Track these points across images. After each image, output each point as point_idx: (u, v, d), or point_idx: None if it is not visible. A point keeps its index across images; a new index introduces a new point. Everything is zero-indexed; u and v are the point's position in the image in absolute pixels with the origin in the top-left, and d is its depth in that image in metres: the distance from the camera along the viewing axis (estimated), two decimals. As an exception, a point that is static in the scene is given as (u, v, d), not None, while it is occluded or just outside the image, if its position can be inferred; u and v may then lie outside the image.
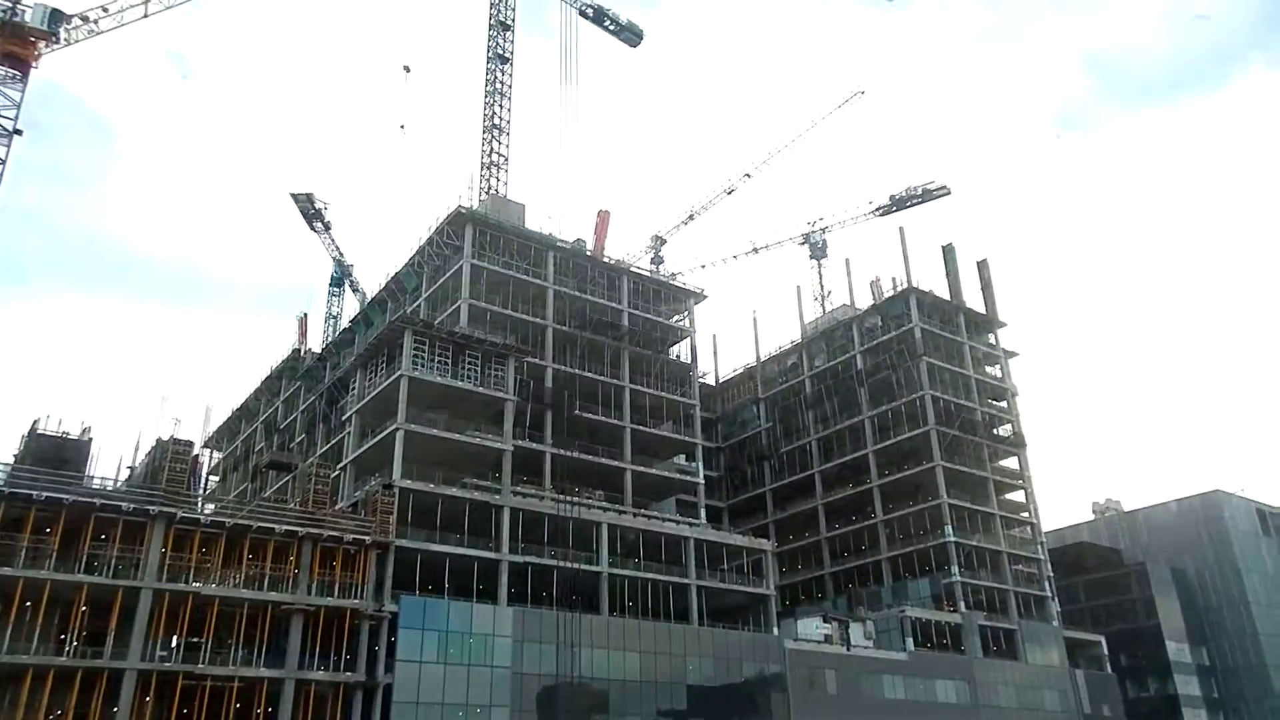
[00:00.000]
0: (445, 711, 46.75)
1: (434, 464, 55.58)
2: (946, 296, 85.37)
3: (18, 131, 57.33)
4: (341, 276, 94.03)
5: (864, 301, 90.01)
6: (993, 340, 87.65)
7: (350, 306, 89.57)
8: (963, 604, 71.87)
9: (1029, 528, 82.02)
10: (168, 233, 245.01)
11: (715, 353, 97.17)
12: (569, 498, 60.88)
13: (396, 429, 54.70)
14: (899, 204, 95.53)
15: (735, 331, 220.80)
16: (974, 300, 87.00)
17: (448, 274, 68.50)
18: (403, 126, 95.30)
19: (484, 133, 77.53)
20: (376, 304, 77.19)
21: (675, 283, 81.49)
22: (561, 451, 63.83)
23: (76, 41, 60.18)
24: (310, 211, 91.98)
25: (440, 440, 56.42)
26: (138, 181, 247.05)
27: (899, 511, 78.32)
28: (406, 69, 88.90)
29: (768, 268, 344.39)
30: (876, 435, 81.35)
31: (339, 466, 59.16)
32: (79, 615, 40.81)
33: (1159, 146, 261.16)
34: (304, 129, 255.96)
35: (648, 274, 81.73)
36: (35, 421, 49.03)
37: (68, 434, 48.61)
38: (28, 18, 57.60)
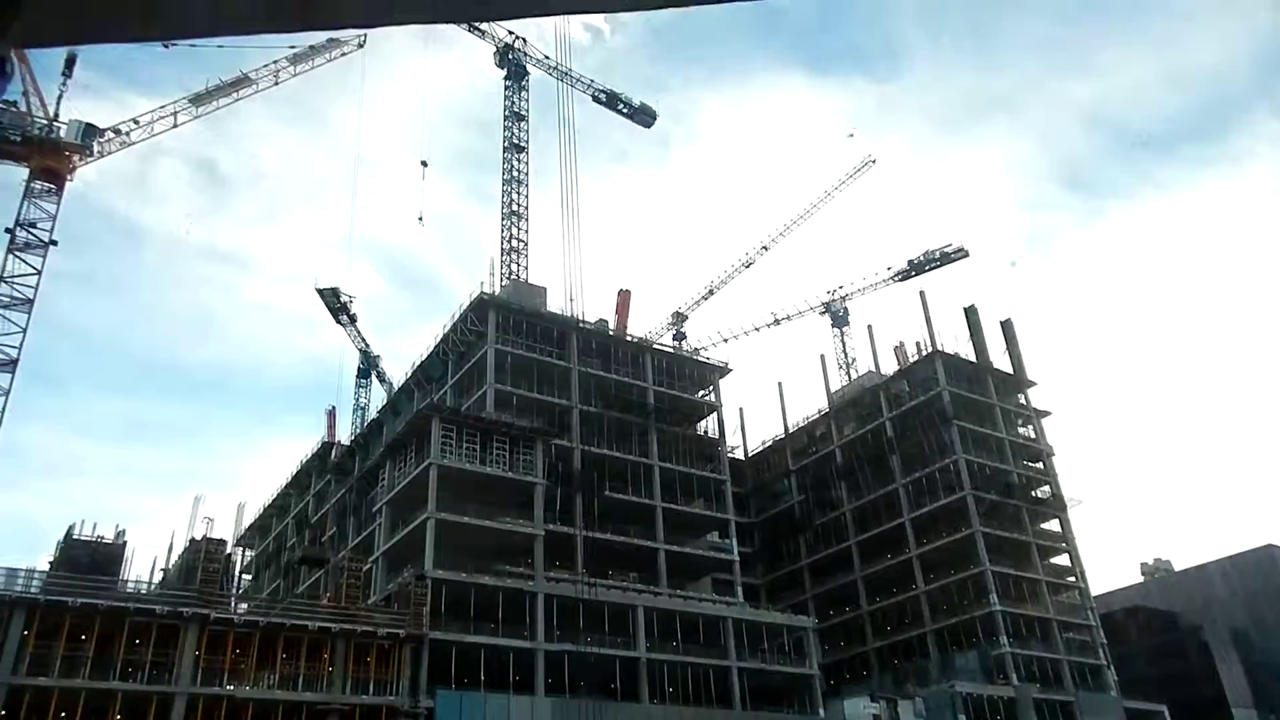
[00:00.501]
0: (486, 811, 45.22)
1: (466, 553, 55.00)
2: (972, 358, 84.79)
3: (53, 242, 59.10)
4: (368, 368, 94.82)
5: (889, 367, 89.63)
6: (1023, 400, 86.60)
7: (378, 397, 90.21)
8: (1014, 676, 69.36)
9: (1077, 592, 79.63)
10: (198, 334, 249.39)
11: (743, 426, 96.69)
12: (603, 581, 59.99)
13: (427, 518, 54.35)
14: (917, 268, 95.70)
15: (762, 404, 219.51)
16: (1000, 361, 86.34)
17: (473, 360, 69.02)
18: (420, 219, 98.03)
19: (503, 219, 79.07)
20: (404, 393, 77.72)
21: (699, 358, 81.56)
22: (593, 534, 63.17)
23: (109, 154, 62.40)
24: (336, 305, 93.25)
25: (471, 528, 55.94)
26: (166, 285, 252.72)
27: (941, 581, 76.39)
28: (424, 164, 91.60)
29: (791, 338, 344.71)
30: (912, 503, 79.96)
31: (371, 559, 58.69)
32: (114, 724, 40.19)
33: (1176, 199, 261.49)
34: (325, 225, 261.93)
35: (671, 350, 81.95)
36: (70, 528, 49.23)
37: (102, 538, 48.68)
38: (63, 133, 59.84)
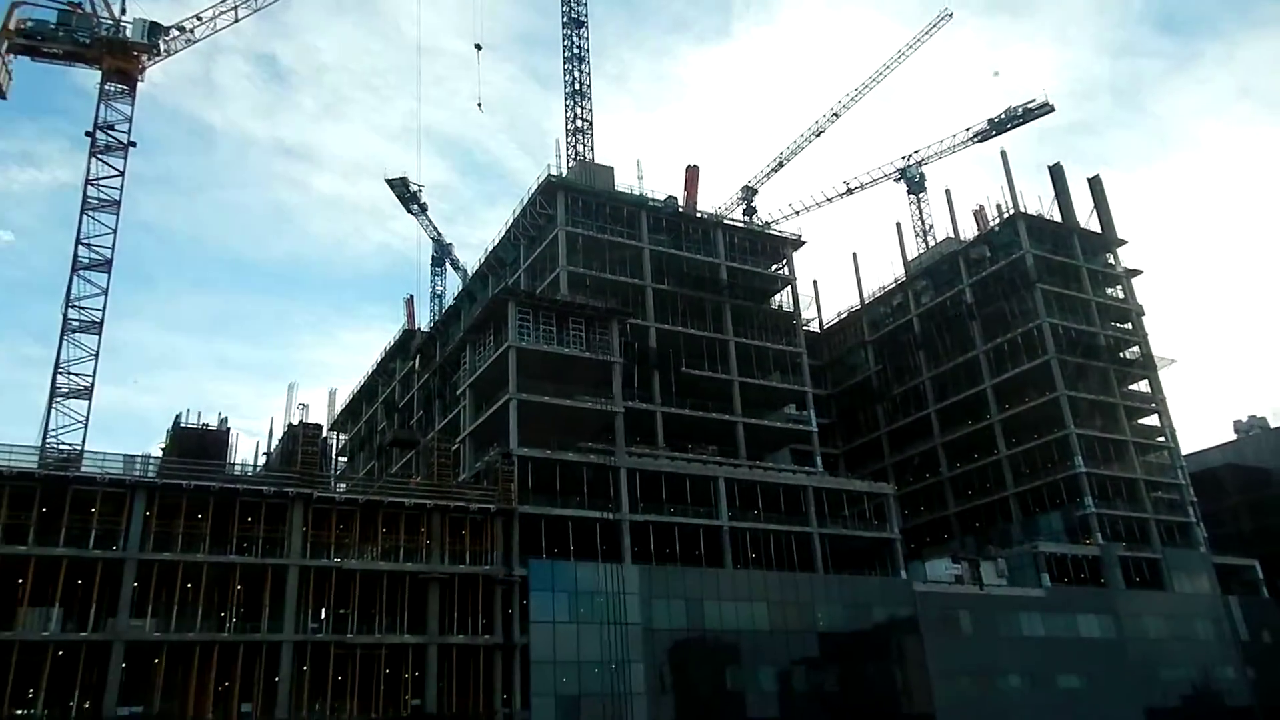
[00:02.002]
0: (583, 669, 47.80)
1: (548, 430, 56.45)
2: (1057, 219, 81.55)
3: (132, 144, 60.30)
4: (442, 255, 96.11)
5: (968, 232, 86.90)
6: (1111, 260, 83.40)
7: (453, 284, 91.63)
8: (1099, 535, 69.27)
9: (1166, 452, 78.24)
10: (274, 229, 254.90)
11: (817, 299, 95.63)
12: (683, 455, 61.17)
13: (509, 399, 55.74)
14: (998, 127, 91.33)
15: (836, 276, 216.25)
16: (1087, 221, 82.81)
17: (544, 243, 69.22)
18: (480, 104, 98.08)
19: (566, 99, 77.68)
20: (478, 279, 78.70)
21: (771, 231, 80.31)
22: (672, 410, 64.14)
23: (174, 52, 62.67)
24: (406, 195, 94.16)
25: (552, 407, 57.26)
26: (239, 183, 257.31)
27: (1023, 446, 75.80)
28: (478, 47, 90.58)
29: (864, 208, 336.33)
30: (993, 369, 78.75)
31: (458, 439, 60.76)
32: (235, 593, 43.30)
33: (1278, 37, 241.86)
34: (388, 116, 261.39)
35: (742, 225, 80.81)
36: (177, 417, 51.95)
37: (208, 426, 51.33)
38: (129, 33, 60.20)
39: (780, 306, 76.68)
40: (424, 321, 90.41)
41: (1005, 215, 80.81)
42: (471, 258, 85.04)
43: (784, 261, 77.85)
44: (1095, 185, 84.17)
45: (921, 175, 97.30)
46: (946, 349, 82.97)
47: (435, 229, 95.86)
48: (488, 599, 48.32)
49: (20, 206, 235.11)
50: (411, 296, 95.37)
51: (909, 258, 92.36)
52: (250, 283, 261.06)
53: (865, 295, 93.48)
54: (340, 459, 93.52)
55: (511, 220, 73.25)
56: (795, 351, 73.85)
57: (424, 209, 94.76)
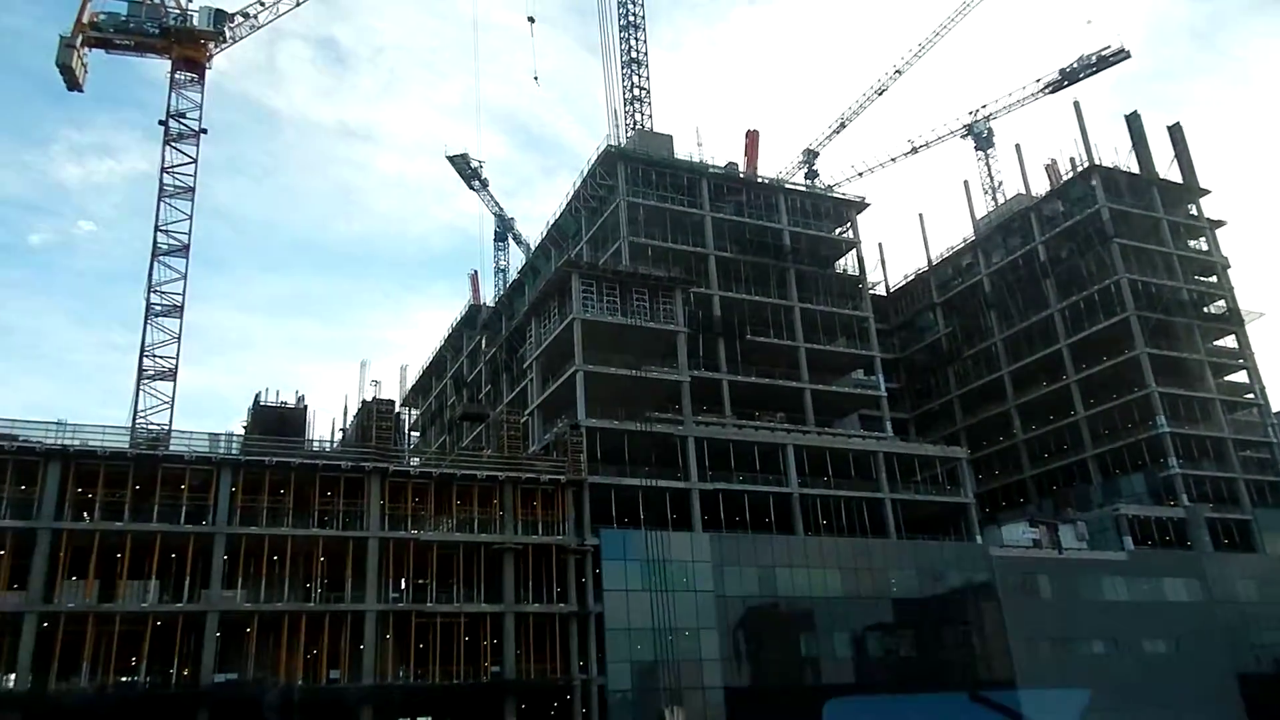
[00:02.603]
0: (657, 636, 48.32)
1: (615, 401, 56.77)
2: (1135, 170, 78.55)
3: (203, 131, 61.92)
4: (504, 230, 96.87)
5: (1040, 188, 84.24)
6: (1194, 211, 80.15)
7: (516, 258, 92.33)
8: (1184, 497, 67.19)
9: (1255, 410, 75.31)
10: (340, 210, 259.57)
11: (883, 261, 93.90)
12: (750, 423, 60.98)
13: (575, 371, 56.14)
14: (1070, 77, 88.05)
15: (902, 238, 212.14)
16: (1167, 171, 79.61)
17: (605, 214, 69.26)
18: (536, 78, 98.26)
19: (623, 68, 77.13)
20: (541, 253, 79.16)
21: (834, 194, 79.00)
22: (738, 378, 63.93)
23: (239, 39, 63.95)
24: (467, 171, 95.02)
25: (618, 377, 57.52)
26: (305, 166, 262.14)
27: (1102, 406, 73.70)
28: (530, 20, 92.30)
29: (930, 167, 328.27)
30: (1069, 328, 76.54)
31: (526, 412, 61.48)
32: (319, 565, 44.71)
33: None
34: (446, 93, 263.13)
35: (804, 189, 79.67)
36: (257, 395, 53.55)
37: (286, 403, 52.81)
38: (196, 22, 61.59)
39: (845, 270, 75.67)
40: (489, 296, 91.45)
41: (1079, 168, 78.15)
42: (533, 232, 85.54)
43: (848, 224, 76.66)
44: (1175, 133, 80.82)
45: (989, 131, 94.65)
46: (1019, 309, 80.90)
47: (497, 204, 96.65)
48: (561, 568, 49.06)
49: (100, 197, 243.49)
50: (476, 272, 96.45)
51: (978, 216, 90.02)
52: (319, 264, 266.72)
53: (933, 256, 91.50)
54: (413, 434, 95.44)
55: (572, 192, 73.41)
56: (861, 316, 72.85)
57: (485, 185, 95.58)
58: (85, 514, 42.29)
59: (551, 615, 47.92)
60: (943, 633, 55.66)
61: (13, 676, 39.02)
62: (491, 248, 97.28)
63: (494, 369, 78.25)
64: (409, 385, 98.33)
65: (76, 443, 41.72)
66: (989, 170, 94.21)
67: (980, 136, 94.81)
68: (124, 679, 41.41)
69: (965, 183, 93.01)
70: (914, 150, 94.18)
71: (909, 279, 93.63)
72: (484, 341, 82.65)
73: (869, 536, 57.28)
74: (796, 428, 62.65)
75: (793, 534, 55.49)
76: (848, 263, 76.12)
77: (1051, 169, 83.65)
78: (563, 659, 47.30)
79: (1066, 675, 54.94)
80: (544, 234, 78.32)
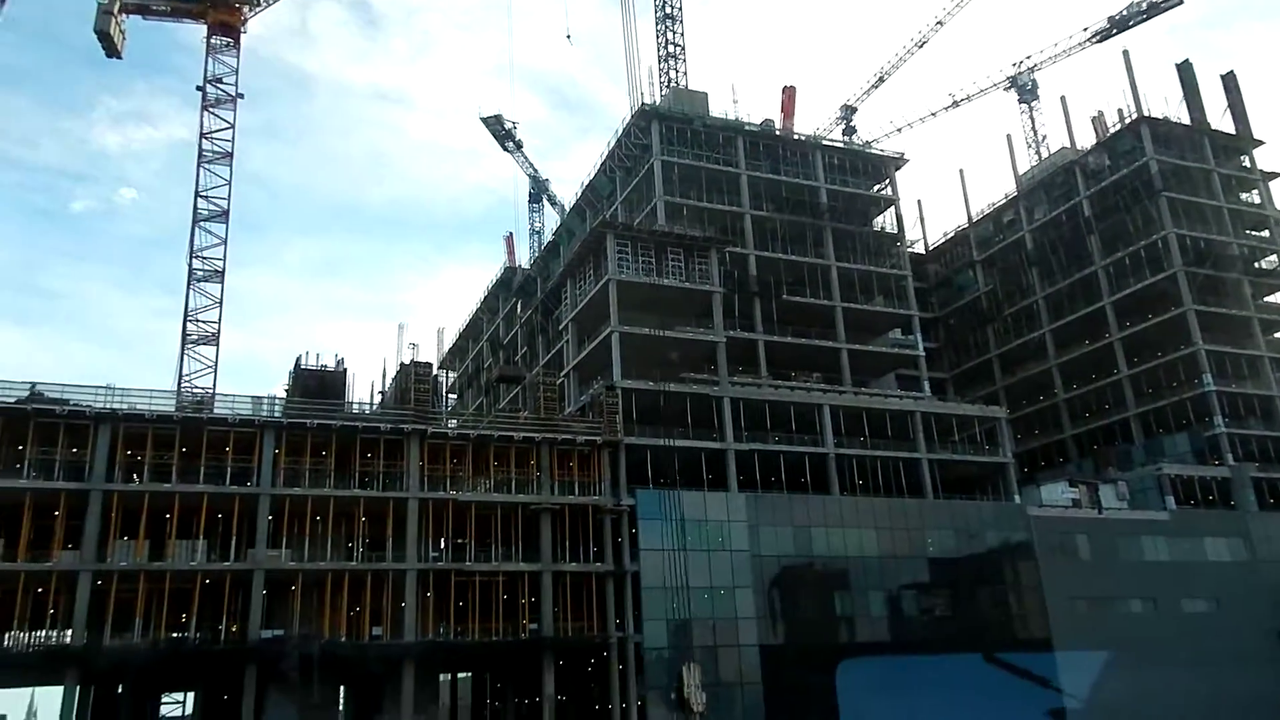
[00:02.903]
0: (693, 594, 48.72)
1: (651, 362, 56.88)
2: (1185, 121, 76.19)
3: (240, 95, 62.33)
4: (539, 192, 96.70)
5: (1086, 141, 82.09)
6: (1246, 163, 77.71)
7: (550, 220, 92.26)
8: (1229, 456, 66.00)
9: (1306, 367, 73.46)
10: (374, 173, 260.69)
11: (922, 219, 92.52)
12: (786, 383, 60.80)
13: (611, 332, 56.25)
14: (1119, 25, 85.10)
15: (942, 194, 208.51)
16: (1220, 122, 77.11)
17: (640, 174, 68.87)
18: (569, 36, 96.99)
19: (657, 24, 76.14)
20: (575, 214, 79.02)
21: (872, 151, 77.77)
22: (774, 338, 63.67)
23: (273, 3, 64.01)
24: (501, 133, 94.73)
25: (654, 339, 57.55)
26: (340, 128, 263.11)
27: (1146, 364, 72.37)
28: None
29: (971, 121, 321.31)
30: (1113, 285, 74.99)
31: (562, 374, 61.84)
32: (360, 525, 45.66)
33: None
34: (478, 55, 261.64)
35: (841, 146, 78.44)
36: (298, 358, 54.34)
37: (326, 367, 53.56)
38: (232, -14, 61.68)
39: (883, 228, 74.72)
40: (524, 258, 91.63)
41: (1127, 120, 76.02)
42: (568, 193, 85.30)
43: (886, 181, 75.54)
44: (1229, 82, 78.17)
45: (1034, 83, 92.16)
46: (1062, 265, 79.36)
47: (531, 165, 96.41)
48: (597, 528, 49.62)
49: (141, 163, 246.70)
50: (511, 234, 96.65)
51: (1020, 172, 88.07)
52: (355, 227, 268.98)
53: (973, 213, 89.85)
54: (450, 396, 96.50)
55: (606, 152, 73.03)
56: (899, 274, 72.01)
57: (519, 146, 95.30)
58: (135, 476, 43.47)
59: (588, 574, 48.60)
60: (979, 593, 55.49)
61: (69, 632, 40.54)
62: (526, 210, 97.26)
63: (530, 331, 78.67)
64: (446, 348, 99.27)
65: (124, 406, 42.76)
66: (1033, 124, 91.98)
67: (1024, 89, 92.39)
68: (175, 634, 42.85)
69: (1008, 137, 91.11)
70: (955, 104, 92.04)
71: (948, 236, 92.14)
72: (519, 304, 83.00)
73: (906, 496, 57.12)
74: (833, 388, 62.44)
75: (829, 494, 55.50)
76: (885, 220, 75.12)
77: (1098, 121, 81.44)
78: (599, 617, 48.03)
79: (1104, 635, 54.51)
80: (578, 195, 78.15)
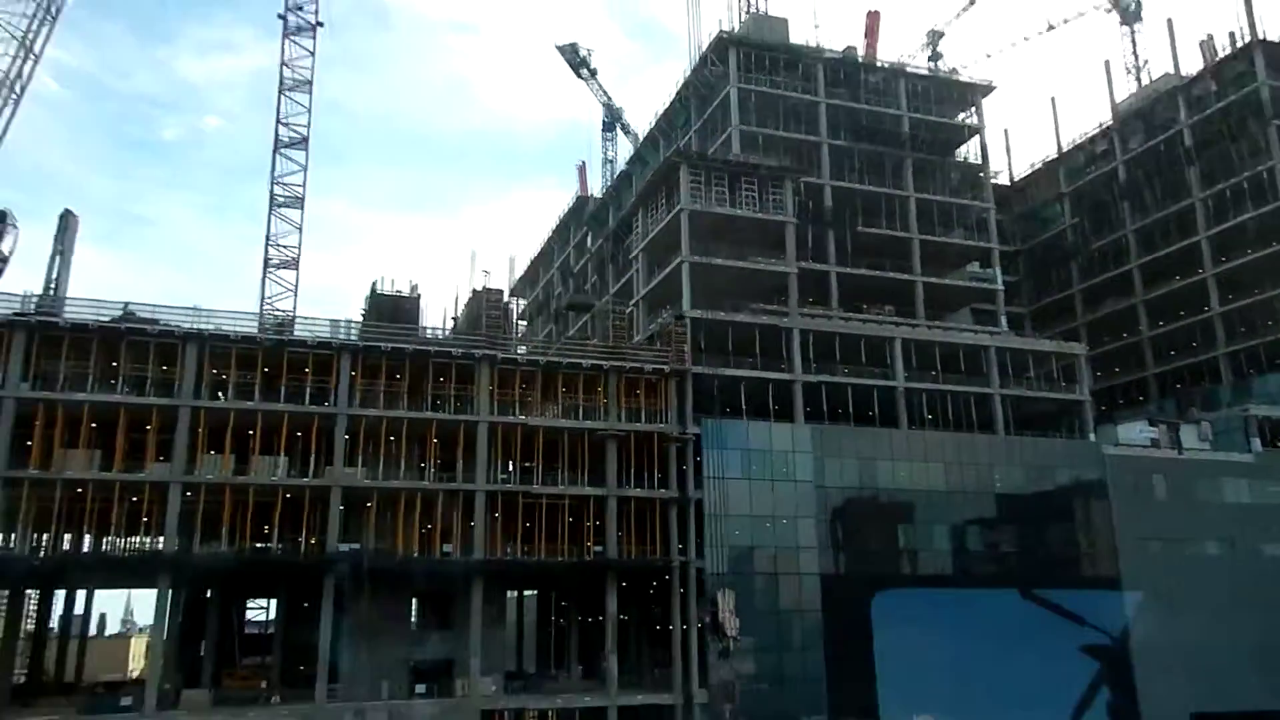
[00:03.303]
0: (754, 523, 49.35)
1: (721, 293, 56.64)
2: (1303, 43, 71.19)
3: (319, 24, 62.89)
4: (613, 121, 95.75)
5: (1191, 68, 77.43)
6: (1366, 91, 72.39)
7: (624, 149, 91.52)
8: (1325, 400, 63.07)
9: None
10: (450, 102, 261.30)
11: (1008, 149, 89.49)
12: (858, 315, 59.97)
13: (681, 262, 56.05)
14: (1234, -60, 79.36)
15: (1031, 125, 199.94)
16: (1341, 43, 71.79)
17: (715, 103, 67.75)
18: None
19: (738, -54, 73.73)
20: (649, 143, 78.29)
21: (957, 78, 74.74)
22: (847, 270, 62.69)
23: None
24: (576, 60, 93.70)
25: (725, 269, 57.21)
26: (417, 60, 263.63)
27: (1241, 302, 69.15)
28: None
29: (1067, 47, 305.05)
30: (1211, 218, 71.42)
31: (631, 303, 62.08)
32: (432, 446, 47.11)
33: None
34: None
35: (926, 73, 75.62)
36: (374, 283, 55.65)
37: (400, 292, 54.76)
38: (307, -88, 61.79)
39: (966, 159, 72.27)
40: (597, 188, 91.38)
41: (1239, 44, 71.37)
42: (642, 122, 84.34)
43: (971, 110, 72.81)
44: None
45: (1138, 4, 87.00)
46: (1156, 198, 75.80)
47: (605, 94, 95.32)
48: (662, 455, 50.21)
49: (224, 92, 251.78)
50: (584, 163, 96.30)
51: (1117, 100, 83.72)
52: (430, 156, 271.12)
53: (1064, 143, 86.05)
54: (521, 323, 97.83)
55: (682, 81, 71.85)
56: (981, 206, 69.83)
57: (594, 74, 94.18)
58: (220, 394, 45.50)
59: (652, 500, 49.40)
60: (1047, 530, 54.82)
61: (161, 539, 43.12)
62: (599, 139, 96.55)
63: (600, 260, 78.90)
64: (517, 276, 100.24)
65: (211, 327, 44.53)
66: (1134, 49, 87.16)
67: (1127, 10, 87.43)
68: (258, 545, 45.21)
69: (1106, 63, 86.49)
70: (1050, 28, 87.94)
71: (1035, 168, 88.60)
72: (591, 233, 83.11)
73: (976, 432, 56.24)
74: (905, 320, 61.39)
75: (896, 428, 55.01)
76: (969, 150, 72.60)
77: (1206, 46, 76.62)
78: (662, 542, 48.94)
79: (1175, 575, 53.55)
80: (653, 124, 77.31)
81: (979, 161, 72.20)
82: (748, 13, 71.89)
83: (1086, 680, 48.77)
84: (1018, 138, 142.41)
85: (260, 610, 60.51)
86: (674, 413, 51.13)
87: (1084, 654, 48.44)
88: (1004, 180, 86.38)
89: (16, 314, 42.35)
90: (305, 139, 61.98)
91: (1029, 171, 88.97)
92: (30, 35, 32.68)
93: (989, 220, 69.66)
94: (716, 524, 48.66)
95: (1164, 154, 75.53)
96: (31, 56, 32.78)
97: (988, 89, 72.93)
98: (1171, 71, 79.05)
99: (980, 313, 67.66)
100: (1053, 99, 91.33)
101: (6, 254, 32.16)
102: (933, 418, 56.36)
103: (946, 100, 72.14)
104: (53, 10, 33.35)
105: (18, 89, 32.40)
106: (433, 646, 47.69)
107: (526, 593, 65.34)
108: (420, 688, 45.30)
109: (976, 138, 72.43)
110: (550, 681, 52.40)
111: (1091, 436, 58.81)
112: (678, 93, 72.64)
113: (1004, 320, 66.81)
